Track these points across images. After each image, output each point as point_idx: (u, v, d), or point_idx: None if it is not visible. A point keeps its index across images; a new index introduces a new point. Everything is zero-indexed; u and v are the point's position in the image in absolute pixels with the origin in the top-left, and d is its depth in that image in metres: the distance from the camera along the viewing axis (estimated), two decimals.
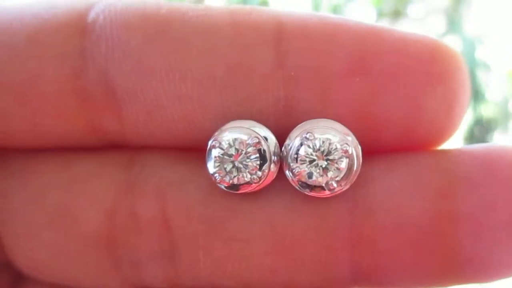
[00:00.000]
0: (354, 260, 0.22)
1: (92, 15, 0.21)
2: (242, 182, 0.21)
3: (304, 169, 0.20)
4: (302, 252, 0.22)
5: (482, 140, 0.84)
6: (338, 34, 0.21)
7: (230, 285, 0.23)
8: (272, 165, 0.21)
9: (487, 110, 0.84)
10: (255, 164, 0.21)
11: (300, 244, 0.22)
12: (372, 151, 0.22)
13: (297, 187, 0.21)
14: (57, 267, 0.24)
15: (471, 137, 0.84)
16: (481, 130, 0.85)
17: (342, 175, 0.20)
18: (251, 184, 0.21)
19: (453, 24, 0.85)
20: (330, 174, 0.20)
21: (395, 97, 0.20)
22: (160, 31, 0.21)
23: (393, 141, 0.21)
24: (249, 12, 0.21)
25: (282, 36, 0.21)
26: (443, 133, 0.21)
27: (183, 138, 0.22)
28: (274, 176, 0.21)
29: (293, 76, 0.21)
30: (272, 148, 0.21)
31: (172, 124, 0.22)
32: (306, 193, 0.21)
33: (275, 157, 0.21)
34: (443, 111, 0.21)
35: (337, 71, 0.20)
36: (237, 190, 0.21)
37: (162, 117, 0.22)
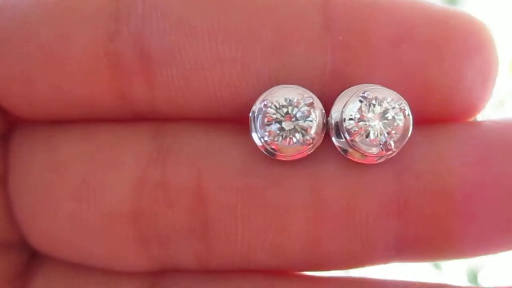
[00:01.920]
0: (400, 227, 0.21)
1: None
2: (294, 143, 0.20)
3: (362, 128, 0.20)
4: (347, 219, 0.21)
5: None
6: (385, 3, 0.20)
7: (267, 259, 0.22)
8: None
9: None
10: (308, 126, 0.20)
11: (346, 211, 0.21)
12: (416, 119, 0.21)
13: (343, 152, 0.20)
14: (76, 243, 0.23)
15: None
16: None
17: (400, 134, 0.20)
18: (303, 145, 0.20)
19: None
20: (388, 133, 0.20)
21: (438, 65, 0.20)
22: None
23: (435, 110, 0.21)
24: None
25: (329, 1, 0.20)
26: (478, 104, 0.22)
27: (219, 105, 0.21)
28: (319, 144, 0.21)
29: (341, 40, 0.20)
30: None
31: (211, 88, 0.21)
32: (357, 159, 0.20)
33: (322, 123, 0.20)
34: (480, 81, 0.21)
35: (384, 37, 0.20)
36: (287, 153, 0.20)
37: (200, 81, 0.21)
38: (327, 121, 0.21)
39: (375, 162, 0.20)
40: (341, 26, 0.20)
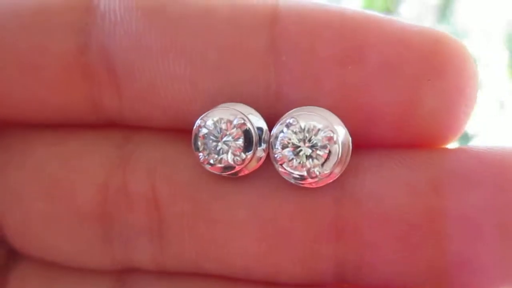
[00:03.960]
0: (339, 253, 0.21)
1: None
2: (225, 163, 0.21)
3: (285, 155, 0.20)
4: (285, 240, 0.21)
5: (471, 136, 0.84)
6: (334, 21, 0.20)
7: (213, 269, 0.23)
8: (260, 150, 0.21)
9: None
10: (238, 146, 0.20)
11: (284, 233, 0.21)
12: (365, 144, 0.21)
13: (282, 175, 0.21)
14: (48, 241, 0.24)
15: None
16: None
17: (324, 162, 0.20)
18: (234, 166, 0.21)
19: (444, 22, 0.86)
20: (312, 161, 0.20)
21: (388, 89, 0.20)
22: (159, 10, 0.21)
23: (387, 135, 0.21)
24: None
25: (277, 20, 0.20)
26: (446, 132, 0.20)
27: (176, 119, 0.22)
28: (262, 162, 0.21)
29: (284, 61, 0.20)
30: (262, 134, 0.21)
31: (165, 103, 0.22)
32: (291, 181, 0.20)
33: (265, 144, 0.21)
34: (444, 108, 0.19)
35: (329, 57, 0.20)
36: (221, 172, 0.21)
37: (157, 96, 0.22)
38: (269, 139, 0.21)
39: (311, 187, 0.20)
40: (285, 46, 0.20)
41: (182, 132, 0.23)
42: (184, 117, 0.22)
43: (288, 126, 0.20)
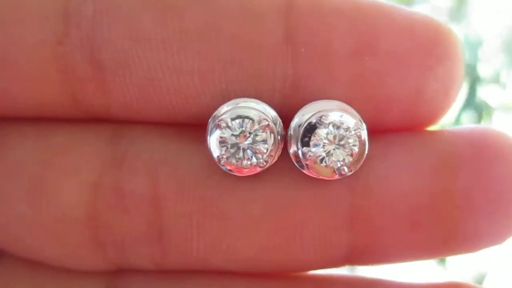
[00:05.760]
0: (351, 238, 0.21)
1: None
2: (248, 165, 0.20)
3: (316, 153, 0.20)
4: (301, 231, 0.21)
5: None
6: (350, 10, 0.20)
7: (223, 265, 0.22)
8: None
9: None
10: (263, 148, 0.20)
11: (300, 223, 0.21)
12: (373, 131, 0.21)
13: (299, 168, 0.20)
14: (33, 243, 0.23)
15: None
16: None
17: (354, 160, 0.20)
18: (257, 167, 0.20)
19: (457, 24, 0.85)
20: (342, 158, 0.20)
21: (400, 78, 0.20)
22: None
23: (395, 121, 0.21)
24: None
25: (293, 9, 0.20)
26: (439, 113, 0.22)
27: (177, 114, 0.21)
28: (277, 157, 0.21)
29: (303, 52, 0.20)
30: (277, 128, 0.20)
31: (167, 98, 0.20)
32: (313, 176, 0.20)
33: (279, 137, 0.20)
34: (442, 91, 0.21)
35: (347, 49, 0.20)
36: (241, 173, 0.20)
37: (155, 90, 0.20)
38: (286, 133, 0.20)
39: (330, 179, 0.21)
40: (303, 37, 0.20)
41: (184, 126, 0.22)
42: (188, 112, 0.21)
43: (318, 123, 0.20)
